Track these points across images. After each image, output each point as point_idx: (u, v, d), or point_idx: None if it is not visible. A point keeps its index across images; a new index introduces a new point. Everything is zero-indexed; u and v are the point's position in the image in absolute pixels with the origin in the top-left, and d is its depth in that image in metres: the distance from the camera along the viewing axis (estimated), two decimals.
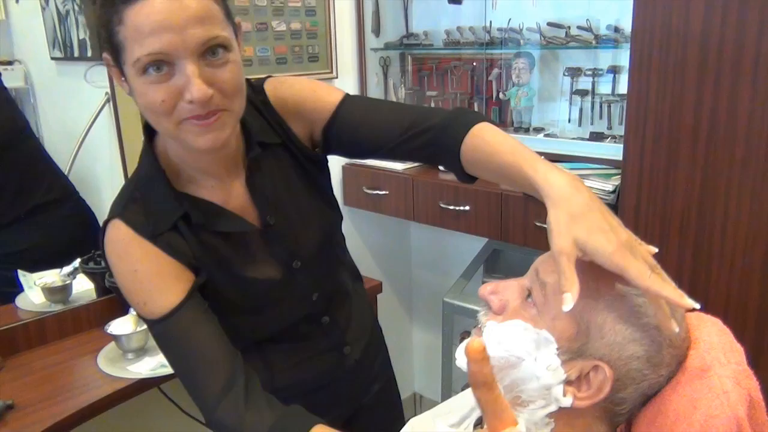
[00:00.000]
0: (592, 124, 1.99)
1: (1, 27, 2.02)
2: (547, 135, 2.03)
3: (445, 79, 2.38)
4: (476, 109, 2.28)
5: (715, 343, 0.75)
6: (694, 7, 1.38)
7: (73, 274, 1.92)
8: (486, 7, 2.15)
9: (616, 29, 1.88)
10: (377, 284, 2.31)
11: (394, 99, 2.47)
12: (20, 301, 1.89)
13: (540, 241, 1.86)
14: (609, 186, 1.70)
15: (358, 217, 2.57)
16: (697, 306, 0.69)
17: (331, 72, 2.35)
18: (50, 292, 1.88)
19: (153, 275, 0.98)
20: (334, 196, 1.22)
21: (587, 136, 1.93)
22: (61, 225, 1.98)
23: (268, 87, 1.10)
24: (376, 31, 2.42)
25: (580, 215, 0.72)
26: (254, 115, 1.07)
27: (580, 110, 2.01)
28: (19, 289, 1.90)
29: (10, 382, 1.61)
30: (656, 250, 0.78)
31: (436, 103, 2.38)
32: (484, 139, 0.97)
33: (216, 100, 0.89)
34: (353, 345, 1.27)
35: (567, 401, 0.74)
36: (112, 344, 1.73)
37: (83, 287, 1.94)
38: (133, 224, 0.98)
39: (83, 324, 1.86)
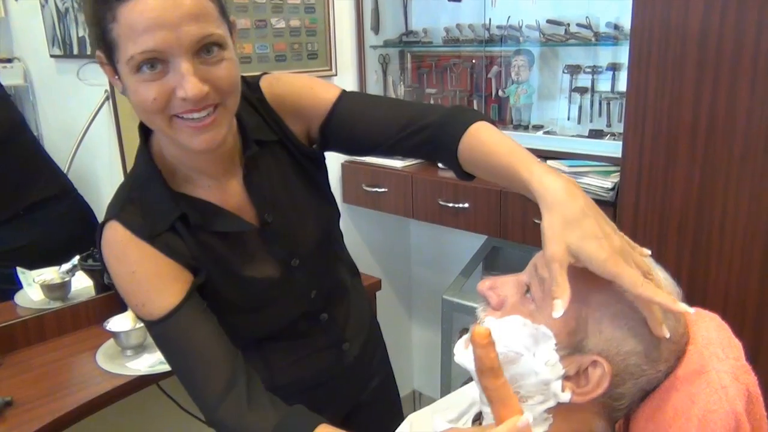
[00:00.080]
0: (591, 121, 1.99)
1: (1, 24, 2.02)
2: (546, 132, 2.03)
3: (445, 77, 2.38)
4: (475, 106, 2.28)
5: (713, 339, 0.76)
6: (693, 4, 1.38)
7: (71, 271, 1.92)
8: (485, 5, 2.15)
9: (616, 26, 1.88)
10: (376, 282, 2.31)
11: (393, 96, 2.47)
12: (19, 298, 1.90)
13: (539, 239, 1.84)
14: (608, 183, 1.70)
15: (358, 214, 2.57)
16: (691, 310, 0.70)
17: (331, 69, 2.35)
18: (49, 289, 1.88)
19: (151, 276, 0.98)
20: (331, 192, 1.21)
21: (586, 134, 1.93)
22: (59, 222, 1.98)
23: (264, 84, 1.09)
24: (376, 29, 2.42)
25: (573, 221, 0.72)
26: (250, 113, 1.06)
27: (580, 107, 2.01)
28: (18, 286, 1.90)
29: (9, 378, 1.61)
30: (649, 252, 0.78)
31: (436, 101, 2.38)
32: (481, 139, 0.97)
33: (211, 96, 0.89)
34: (352, 341, 1.27)
35: (565, 396, 0.74)
36: (111, 341, 1.74)
37: (82, 284, 1.94)
38: (130, 226, 0.97)
39: (82, 321, 1.86)
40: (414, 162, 2.28)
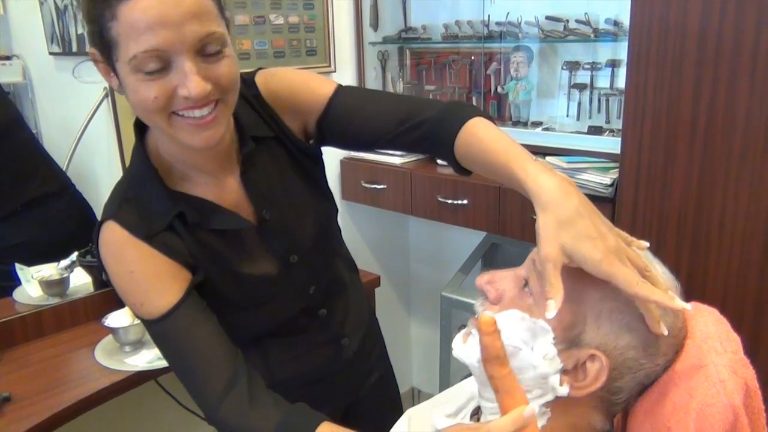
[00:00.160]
0: (590, 117, 1.99)
1: (0, 22, 2.01)
2: (545, 129, 2.03)
3: (444, 73, 2.38)
4: (474, 103, 2.28)
5: (711, 333, 0.76)
6: (692, 1, 1.38)
7: (70, 267, 1.93)
8: (484, 1, 2.15)
9: (615, 23, 1.88)
10: (375, 278, 2.31)
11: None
12: (18, 294, 1.90)
13: None
14: (607, 179, 1.70)
15: (357, 211, 2.57)
16: (688, 307, 0.70)
17: (330, 66, 2.35)
18: (47, 285, 1.88)
19: (150, 276, 0.97)
20: (329, 188, 1.21)
21: (585, 130, 1.93)
22: (58, 218, 1.98)
23: (259, 80, 1.08)
24: (375, 25, 2.41)
25: (568, 221, 0.72)
26: (246, 109, 1.05)
27: (579, 104, 2.01)
28: (16, 282, 1.90)
29: (7, 374, 1.61)
30: (647, 245, 0.78)
31: (434, 98, 2.36)
32: (477, 135, 0.97)
33: (212, 93, 0.88)
34: (351, 337, 1.27)
35: (563, 390, 0.74)
36: (110, 337, 1.74)
37: (80, 280, 1.94)
38: (127, 225, 0.97)
39: (80, 317, 1.87)
40: (413, 158, 2.28)
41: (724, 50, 1.36)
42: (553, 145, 1.92)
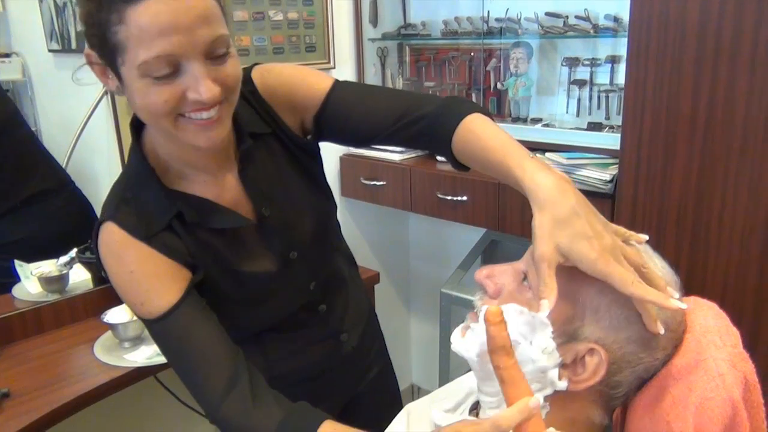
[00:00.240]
0: (590, 114, 1.99)
1: None
2: (544, 125, 2.02)
3: (443, 70, 2.38)
4: (474, 99, 2.28)
5: (711, 327, 0.76)
6: None
7: (69, 263, 1.92)
8: None
9: (615, 19, 1.88)
10: (375, 275, 2.31)
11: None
12: (17, 290, 1.89)
13: None
14: (606, 175, 1.70)
15: (356, 207, 2.56)
16: (684, 306, 0.70)
17: (329, 62, 2.35)
18: (47, 281, 1.88)
19: (149, 276, 0.97)
20: (327, 183, 1.20)
21: (585, 126, 1.93)
22: (57, 215, 1.98)
23: (256, 76, 1.08)
24: (374, 21, 2.41)
25: (564, 221, 0.72)
26: (243, 106, 1.05)
27: (578, 100, 2.01)
28: (15, 279, 1.90)
29: (7, 370, 1.61)
30: (646, 238, 0.78)
31: (434, 94, 2.37)
32: (475, 132, 0.97)
33: (220, 95, 0.88)
34: (350, 332, 1.27)
35: (562, 384, 0.74)
36: (109, 333, 1.74)
37: (80, 277, 1.94)
38: (126, 226, 0.97)
39: (80, 313, 1.86)
40: (412, 155, 2.27)
41: (724, 46, 1.36)
42: (552, 141, 1.92)
